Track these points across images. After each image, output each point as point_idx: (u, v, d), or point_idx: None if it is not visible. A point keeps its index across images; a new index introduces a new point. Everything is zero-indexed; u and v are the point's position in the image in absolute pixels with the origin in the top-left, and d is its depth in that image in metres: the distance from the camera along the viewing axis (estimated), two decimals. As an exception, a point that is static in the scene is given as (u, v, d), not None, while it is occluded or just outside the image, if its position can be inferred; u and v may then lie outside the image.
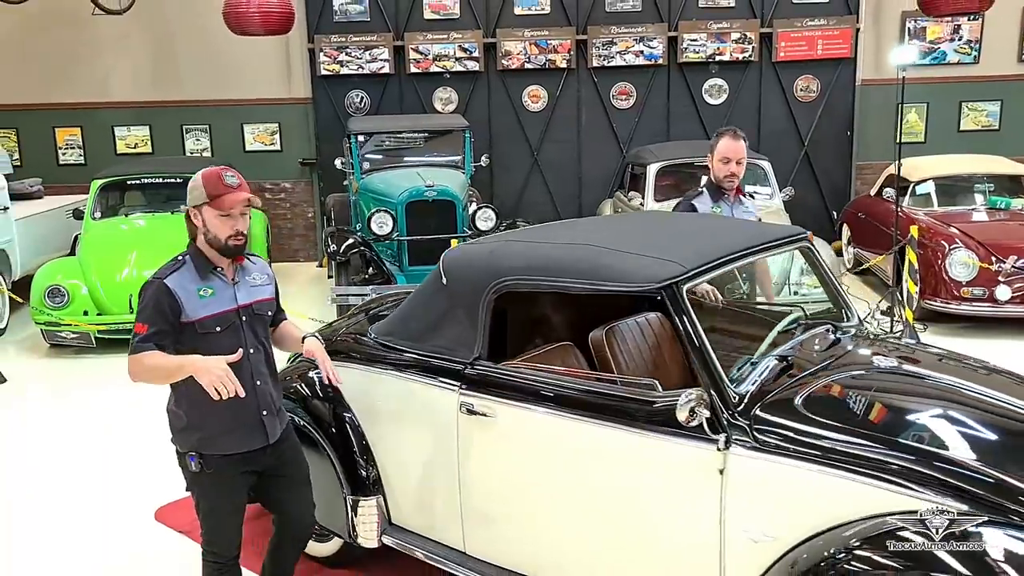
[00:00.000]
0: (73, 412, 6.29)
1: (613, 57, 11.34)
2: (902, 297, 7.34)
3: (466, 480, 3.29)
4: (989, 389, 2.95)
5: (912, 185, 8.82)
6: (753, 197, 4.74)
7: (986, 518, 2.38)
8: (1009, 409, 2.84)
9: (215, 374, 2.75)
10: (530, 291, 3.22)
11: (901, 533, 2.40)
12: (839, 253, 10.73)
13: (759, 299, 4.10)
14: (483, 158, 9.33)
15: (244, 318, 3.05)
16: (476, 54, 11.38)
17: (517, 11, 11.39)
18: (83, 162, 11.84)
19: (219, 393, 2.73)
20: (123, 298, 7.39)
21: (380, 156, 9.05)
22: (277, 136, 11.87)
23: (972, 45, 11.23)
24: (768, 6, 11.26)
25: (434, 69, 11.44)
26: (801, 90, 11.43)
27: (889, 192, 8.98)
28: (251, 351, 3.04)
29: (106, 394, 6.56)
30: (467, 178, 8.74)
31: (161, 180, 8.83)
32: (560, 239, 3.32)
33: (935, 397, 2.93)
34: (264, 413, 3.07)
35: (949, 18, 11.01)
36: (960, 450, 2.60)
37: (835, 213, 11.22)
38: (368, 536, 3.59)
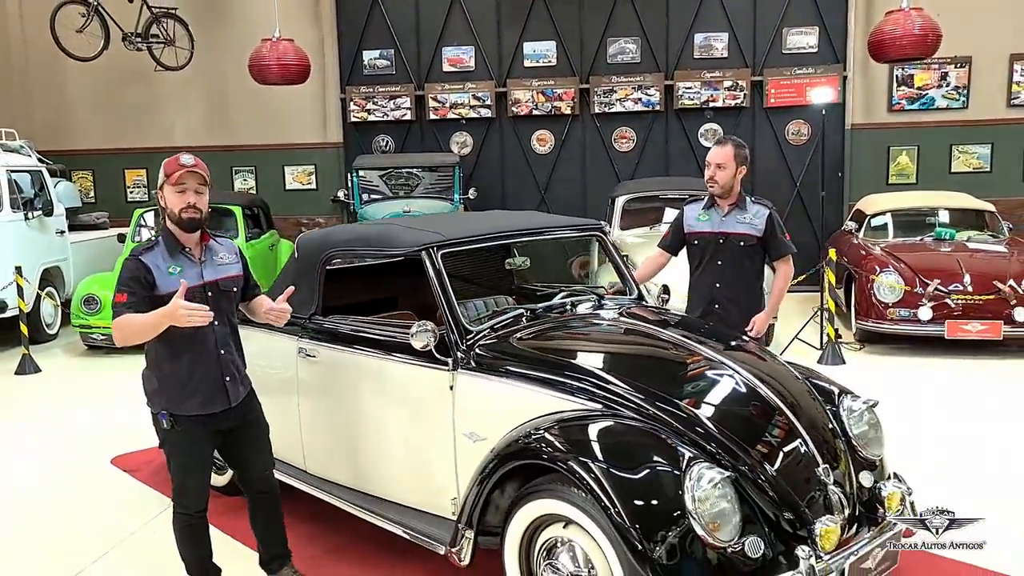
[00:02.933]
0: (83, 393, 7.49)
1: (613, 104, 12.26)
2: (824, 315, 7.89)
3: (302, 410, 4.21)
4: (684, 339, 3.67)
5: (868, 218, 9.35)
6: (766, 205, 4.61)
7: (619, 413, 3.18)
8: (684, 349, 3.58)
9: (179, 316, 3.08)
10: (349, 258, 4.15)
11: (564, 424, 3.19)
12: (824, 287, 11.23)
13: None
14: (471, 191, 10.34)
15: (210, 293, 3.35)
16: (489, 102, 12.51)
17: (526, 63, 12.49)
18: (147, 199, 13.39)
19: (203, 320, 3.09)
20: (146, 306, 8.62)
21: (386, 190, 10.26)
22: (313, 176, 13.19)
23: (960, 91, 11.66)
24: (759, 56, 12.02)
25: (451, 116, 12.61)
26: (792, 134, 12.08)
27: (849, 225, 9.57)
28: (216, 323, 3.31)
29: (116, 381, 7.75)
30: (455, 207, 9.74)
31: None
32: (380, 223, 4.26)
33: (622, 341, 3.73)
34: (227, 379, 3.40)
35: (936, 65, 11.54)
36: (616, 370, 3.38)
37: (825, 250, 11.71)
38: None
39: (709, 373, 3.48)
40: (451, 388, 3.54)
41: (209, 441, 3.46)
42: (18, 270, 8.21)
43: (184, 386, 3.33)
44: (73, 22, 10.95)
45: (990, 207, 9.22)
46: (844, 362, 7.64)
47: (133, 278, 3.24)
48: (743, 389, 3.38)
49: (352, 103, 12.76)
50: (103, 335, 8.73)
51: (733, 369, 3.46)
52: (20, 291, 8.22)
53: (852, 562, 2.97)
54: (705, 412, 3.23)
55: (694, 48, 12.16)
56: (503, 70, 12.54)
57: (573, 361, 3.47)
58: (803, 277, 8.38)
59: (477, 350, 3.54)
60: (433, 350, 3.51)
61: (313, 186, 13.22)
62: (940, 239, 8.74)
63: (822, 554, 2.93)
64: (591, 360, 3.51)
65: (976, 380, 7.15)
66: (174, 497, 3.47)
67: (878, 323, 7.97)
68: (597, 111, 12.31)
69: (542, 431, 3.18)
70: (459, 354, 3.54)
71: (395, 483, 3.85)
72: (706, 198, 4.68)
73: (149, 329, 3.19)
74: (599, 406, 3.23)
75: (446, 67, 12.65)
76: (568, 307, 3.99)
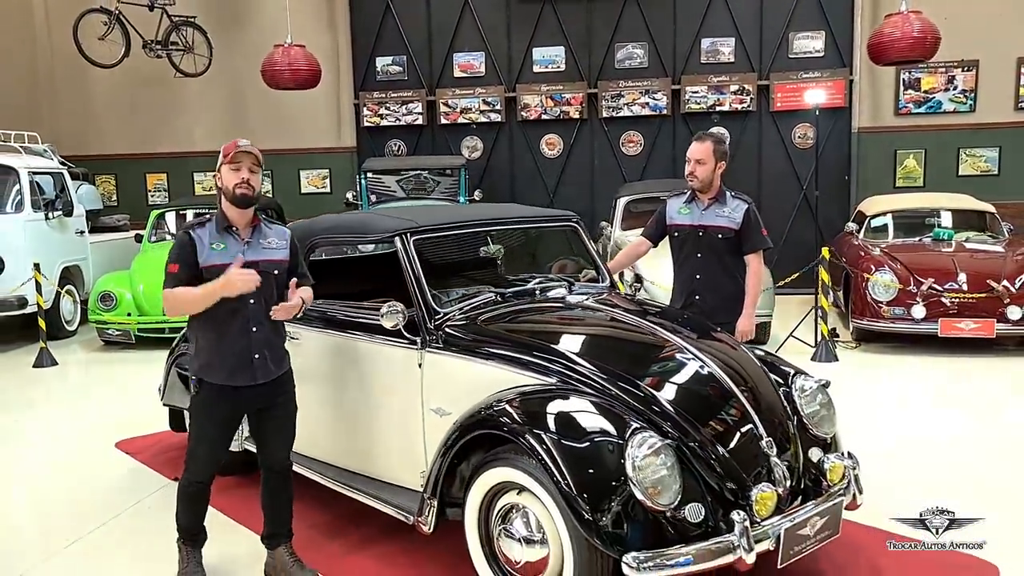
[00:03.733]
0: (96, 384, 7.79)
1: (621, 108, 12.44)
2: (820, 313, 7.98)
3: (288, 390, 4.41)
4: (645, 321, 3.82)
5: (868, 219, 9.44)
6: (745, 200, 4.67)
7: (576, 389, 3.35)
8: (646, 332, 3.74)
9: (233, 282, 3.31)
10: (331, 245, 4.36)
11: (521, 397, 3.36)
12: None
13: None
14: (476, 192, 10.55)
15: None
16: (499, 107, 12.73)
17: (536, 69, 12.71)
18: (168, 203, 13.74)
19: (251, 285, 3.32)
20: (159, 303, 8.91)
21: (398, 192, 10.51)
22: (328, 180, 13.49)
23: (967, 94, 11.69)
24: (766, 60, 12.13)
25: (462, 120, 12.85)
26: (799, 137, 12.16)
27: (850, 227, 9.66)
28: (251, 301, 3.46)
29: (129, 374, 8.05)
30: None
31: (207, 211, 10.43)
32: (361, 213, 4.48)
33: (585, 323, 3.91)
34: (256, 356, 3.52)
35: (944, 69, 11.61)
36: (572, 350, 3.55)
37: (831, 253, 11.78)
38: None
39: (666, 355, 3.63)
40: (419, 365, 3.74)
41: (230, 415, 3.61)
42: (36, 267, 8.53)
43: (214, 355, 3.50)
44: (95, 30, 11.33)
45: (990, 208, 9.26)
46: (837, 359, 7.73)
47: (183, 251, 3.46)
48: (698, 370, 3.51)
49: (365, 108, 13.04)
50: (119, 331, 9.02)
51: (690, 351, 3.60)
52: (38, 287, 8.54)
53: (788, 528, 3.11)
54: (659, 390, 3.39)
55: (701, 53, 12.30)
56: (513, 75, 12.76)
57: (535, 340, 3.64)
58: (796, 275, 8.52)
59: (445, 330, 3.73)
60: (402, 329, 3.70)
61: (327, 189, 13.50)
62: (938, 239, 8.81)
63: (758, 519, 3.08)
64: (552, 339, 3.68)
65: (968, 377, 7.22)
66: (185, 460, 3.64)
67: (873, 321, 8.05)
68: (605, 115, 12.49)
69: (502, 403, 3.35)
70: (427, 333, 3.73)
71: (370, 458, 4.04)
72: (687, 192, 4.80)
73: (200, 301, 3.39)
74: (556, 381, 3.41)
75: (457, 72, 12.89)
76: (537, 292, 4.17)
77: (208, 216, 3.60)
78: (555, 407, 3.26)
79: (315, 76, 10.62)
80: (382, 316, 3.67)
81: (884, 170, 11.99)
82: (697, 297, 4.65)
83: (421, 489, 3.70)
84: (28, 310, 9.14)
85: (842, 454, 3.69)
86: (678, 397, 3.38)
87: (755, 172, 12.32)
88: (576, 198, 12.79)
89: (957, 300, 7.78)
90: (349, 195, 10.43)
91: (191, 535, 3.77)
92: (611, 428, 3.12)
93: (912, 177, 11.99)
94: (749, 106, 12.12)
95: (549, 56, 12.65)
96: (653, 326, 3.77)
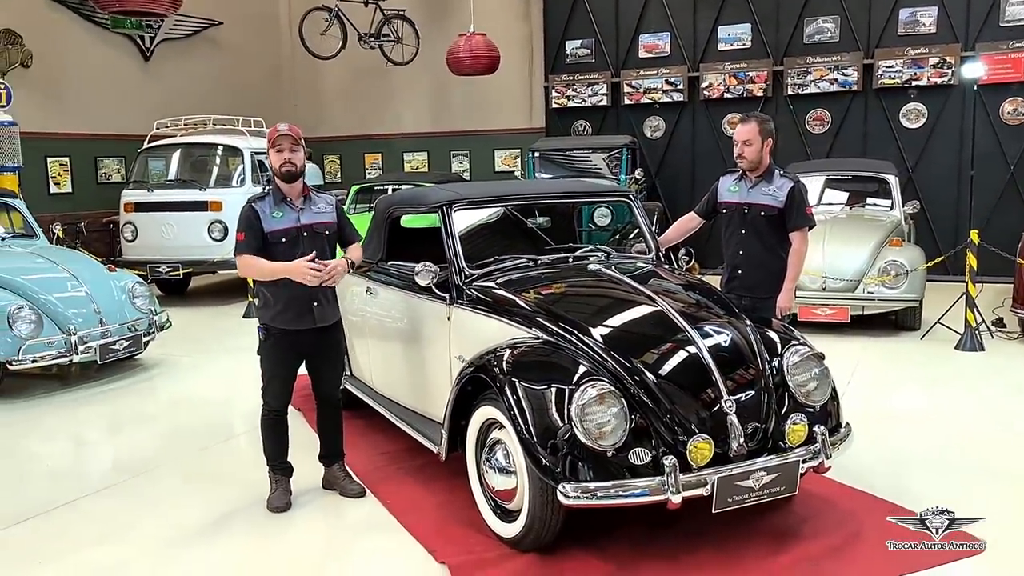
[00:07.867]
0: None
1: (808, 85, 12.08)
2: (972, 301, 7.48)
3: (369, 337, 5.16)
4: (645, 290, 4.04)
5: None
6: (792, 179, 4.78)
7: (558, 345, 3.77)
8: (636, 299, 4.01)
9: (303, 272, 4.00)
10: (402, 213, 5.02)
11: (511, 349, 3.83)
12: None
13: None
14: (637, 172, 10.80)
15: (304, 234, 4.14)
16: (681, 87, 12.84)
17: (720, 47, 12.65)
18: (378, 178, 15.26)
19: (315, 280, 3.98)
20: (347, 267, 10.14)
21: (604, 169, 11.06)
22: (518, 159, 14.28)
23: None
24: (972, 30, 11.23)
25: (644, 101, 13.10)
26: (1008, 113, 11.15)
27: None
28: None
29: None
30: (621, 185, 10.29)
31: (398, 185, 11.59)
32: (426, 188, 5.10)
33: (594, 289, 4.24)
34: (315, 304, 4.16)
35: None
36: (569, 310, 3.94)
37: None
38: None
39: (650, 321, 3.88)
40: (448, 319, 4.30)
41: (295, 353, 4.26)
42: (247, 232, 10.03)
43: (280, 305, 4.15)
44: (318, 26, 12.88)
45: None
46: (983, 349, 7.25)
47: (248, 222, 4.11)
48: (676, 336, 3.73)
49: (554, 91, 13.66)
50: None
51: (675, 318, 3.78)
52: (248, 250, 10.06)
53: (723, 477, 3.34)
54: (632, 350, 3.68)
55: (898, 24, 11.64)
56: (696, 55, 12.80)
57: (542, 301, 4.06)
58: (940, 260, 8.03)
59: (471, 289, 4.26)
60: (433, 287, 4.28)
61: (518, 168, 14.30)
62: None
63: (693, 466, 3.35)
64: (557, 301, 4.09)
65: None
66: (262, 395, 4.30)
67: (1035, 311, 7.45)
68: (790, 92, 12.20)
69: (495, 352, 3.83)
70: (456, 291, 4.29)
71: (418, 395, 4.67)
72: (740, 170, 4.90)
73: (267, 272, 4.12)
74: (545, 337, 3.83)
75: (642, 53, 13.15)
76: (570, 260, 4.57)
77: (267, 191, 4.22)
78: (532, 359, 3.70)
79: (494, 62, 11.38)
80: (416, 275, 4.26)
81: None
82: (740, 272, 4.78)
83: (444, 423, 4.27)
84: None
85: (841, 423, 3.82)
86: (649, 356, 3.67)
87: (956, 151, 11.47)
88: (758, 178, 12.60)
89: None
90: (517, 172, 11.11)
91: (276, 463, 4.39)
92: (569, 378, 3.50)
93: None
94: (950, 80, 11.30)
95: (734, 34, 12.55)
96: (650, 294, 3.97)
